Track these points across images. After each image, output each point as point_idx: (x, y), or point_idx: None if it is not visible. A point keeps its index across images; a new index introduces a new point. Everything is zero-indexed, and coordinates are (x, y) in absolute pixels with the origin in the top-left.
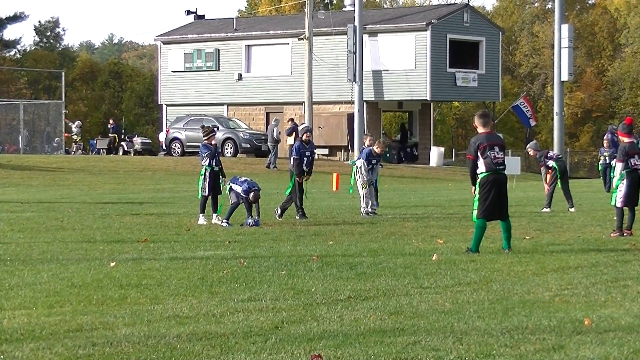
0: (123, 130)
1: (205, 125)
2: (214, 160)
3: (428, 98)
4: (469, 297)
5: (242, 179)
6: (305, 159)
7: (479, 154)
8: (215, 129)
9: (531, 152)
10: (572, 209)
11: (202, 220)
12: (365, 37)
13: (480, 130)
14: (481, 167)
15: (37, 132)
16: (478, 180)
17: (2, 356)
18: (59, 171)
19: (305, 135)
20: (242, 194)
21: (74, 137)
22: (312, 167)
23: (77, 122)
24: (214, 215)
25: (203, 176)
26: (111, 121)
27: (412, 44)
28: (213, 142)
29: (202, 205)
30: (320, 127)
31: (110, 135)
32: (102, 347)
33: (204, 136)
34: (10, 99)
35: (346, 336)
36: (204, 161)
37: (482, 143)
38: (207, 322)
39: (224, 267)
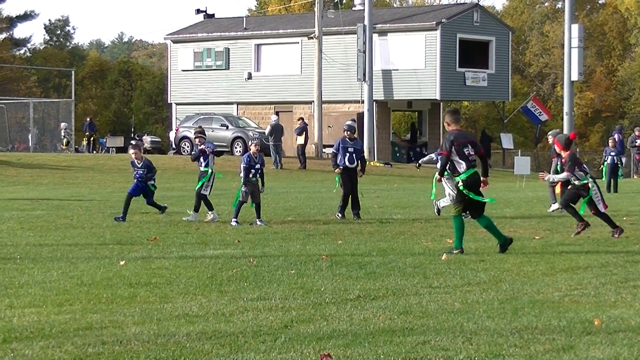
0: (133, 129)
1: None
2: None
3: (438, 97)
4: (479, 297)
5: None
6: (348, 154)
7: (454, 150)
8: (224, 127)
9: (550, 140)
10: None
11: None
12: (375, 36)
13: (452, 127)
14: (462, 166)
15: (47, 131)
16: (460, 183)
17: (12, 354)
18: (69, 169)
19: (347, 132)
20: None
21: (64, 139)
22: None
23: (63, 124)
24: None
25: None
26: (88, 119)
27: (422, 43)
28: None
29: (203, 204)
30: (329, 127)
31: (86, 134)
32: (112, 345)
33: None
34: (20, 97)
35: (355, 335)
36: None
37: (456, 140)
38: (217, 321)
39: (233, 266)
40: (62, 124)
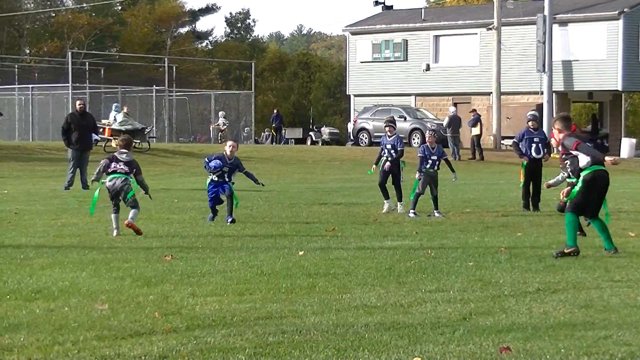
0: (311, 120)
1: None
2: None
3: (619, 88)
4: None
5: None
6: (534, 145)
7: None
8: (402, 119)
9: None
10: None
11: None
12: (555, 26)
13: (564, 134)
14: (586, 162)
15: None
16: (582, 178)
17: (195, 341)
18: (248, 160)
19: (530, 122)
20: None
21: (222, 127)
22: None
23: (221, 112)
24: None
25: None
26: (275, 111)
27: (604, 33)
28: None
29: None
30: (508, 118)
31: (273, 125)
32: (291, 334)
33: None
34: (202, 89)
35: (535, 329)
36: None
37: (578, 138)
38: (395, 312)
39: (411, 257)
40: (220, 112)
